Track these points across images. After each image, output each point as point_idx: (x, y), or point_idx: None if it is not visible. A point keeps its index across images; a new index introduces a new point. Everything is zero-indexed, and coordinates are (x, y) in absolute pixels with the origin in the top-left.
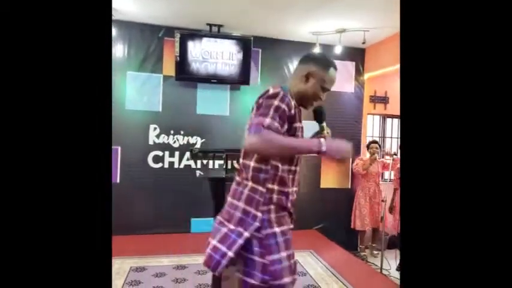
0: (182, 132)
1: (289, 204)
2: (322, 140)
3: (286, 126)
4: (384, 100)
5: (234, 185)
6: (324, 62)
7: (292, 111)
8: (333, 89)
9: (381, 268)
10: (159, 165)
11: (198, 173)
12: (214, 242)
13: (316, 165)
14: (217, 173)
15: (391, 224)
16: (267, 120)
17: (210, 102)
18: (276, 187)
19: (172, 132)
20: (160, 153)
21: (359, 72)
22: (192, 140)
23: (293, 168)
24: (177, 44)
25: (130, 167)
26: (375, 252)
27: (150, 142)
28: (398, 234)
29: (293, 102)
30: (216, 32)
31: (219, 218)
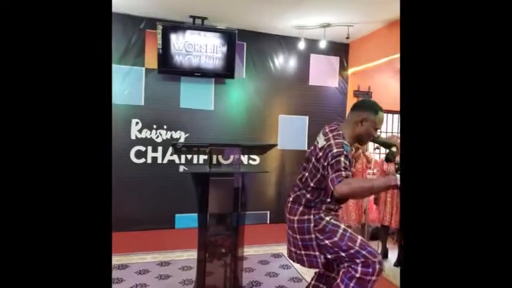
0: (165, 127)
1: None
2: (398, 176)
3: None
4: (367, 95)
5: None
6: (374, 108)
7: (349, 156)
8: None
9: None
10: (142, 160)
11: (182, 168)
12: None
13: (302, 160)
14: (201, 168)
15: (375, 216)
16: (343, 174)
17: (194, 96)
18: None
19: (155, 126)
20: (143, 148)
21: (343, 67)
22: (175, 135)
23: None
24: (159, 36)
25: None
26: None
27: (132, 137)
28: (381, 225)
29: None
30: (199, 24)
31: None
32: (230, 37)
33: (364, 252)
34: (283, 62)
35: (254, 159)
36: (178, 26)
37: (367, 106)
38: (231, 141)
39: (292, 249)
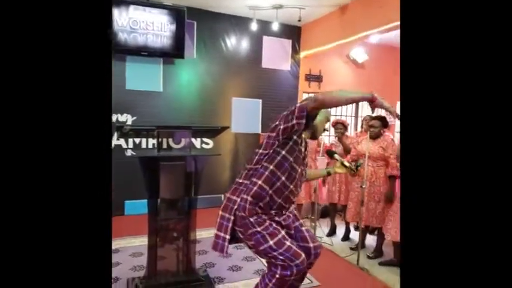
0: None
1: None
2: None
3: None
4: (318, 79)
5: None
6: None
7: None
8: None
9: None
10: None
11: (129, 152)
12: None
13: (255, 143)
14: (150, 152)
15: (325, 195)
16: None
17: (141, 77)
18: None
19: None
20: None
21: (295, 50)
22: (121, 118)
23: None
24: None
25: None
26: (313, 224)
27: None
28: (330, 204)
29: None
30: None
31: None
32: (178, 14)
33: (286, 255)
34: (236, 43)
35: (207, 143)
36: (121, 0)
37: None
38: (182, 125)
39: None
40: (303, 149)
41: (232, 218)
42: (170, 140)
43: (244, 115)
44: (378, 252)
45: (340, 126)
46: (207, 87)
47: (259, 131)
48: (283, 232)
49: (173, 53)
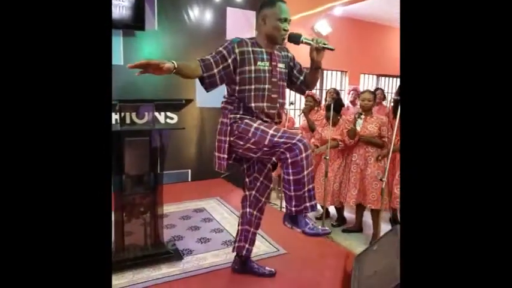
0: None
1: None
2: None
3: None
4: None
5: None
6: (269, 1)
7: (237, 57)
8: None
9: (280, 207)
10: None
11: None
12: (215, 153)
13: None
14: (112, 128)
15: None
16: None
17: None
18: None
19: None
20: None
21: None
22: None
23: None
24: None
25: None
26: (280, 195)
27: None
28: None
29: (248, 48)
30: None
31: None
32: None
33: (282, 140)
34: (199, 15)
35: (171, 118)
36: None
37: (262, 4)
38: (145, 98)
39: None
40: (263, 69)
41: (227, 139)
42: (133, 114)
43: None
44: (340, 220)
45: (310, 100)
46: (170, 60)
47: None
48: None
49: (133, 24)
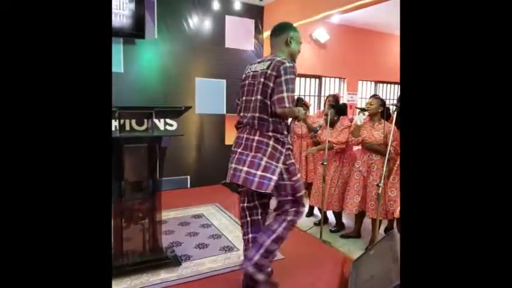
0: None
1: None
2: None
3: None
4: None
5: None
6: (291, 26)
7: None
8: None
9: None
10: None
11: None
12: (259, 172)
13: (220, 124)
14: (112, 134)
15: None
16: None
17: None
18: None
19: None
20: None
21: (258, 30)
22: None
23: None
24: None
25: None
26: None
27: None
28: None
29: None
30: None
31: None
32: None
33: (301, 201)
34: (198, 23)
35: (171, 125)
36: None
37: (286, 27)
38: (144, 105)
39: (245, 168)
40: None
41: (280, 165)
42: (133, 121)
43: (209, 96)
44: (339, 225)
45: (304, 108)
46: (170, 68)
47: (224, 112)
48: None
49: (134, 33)
